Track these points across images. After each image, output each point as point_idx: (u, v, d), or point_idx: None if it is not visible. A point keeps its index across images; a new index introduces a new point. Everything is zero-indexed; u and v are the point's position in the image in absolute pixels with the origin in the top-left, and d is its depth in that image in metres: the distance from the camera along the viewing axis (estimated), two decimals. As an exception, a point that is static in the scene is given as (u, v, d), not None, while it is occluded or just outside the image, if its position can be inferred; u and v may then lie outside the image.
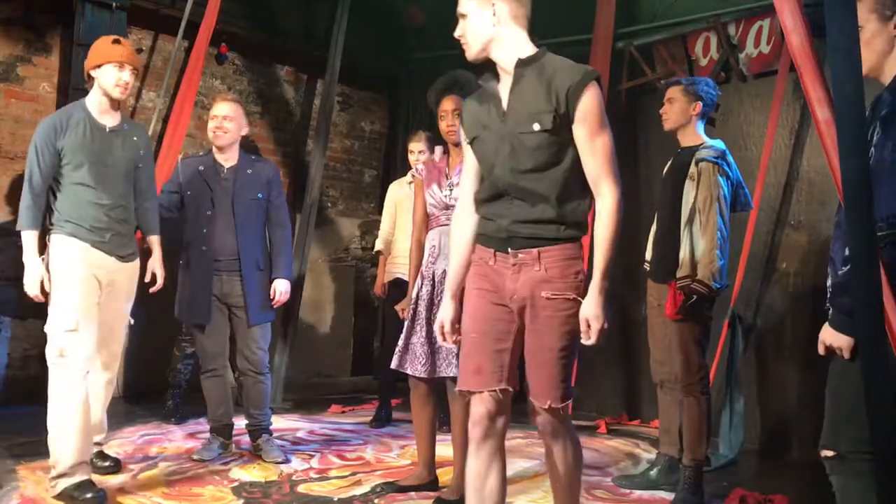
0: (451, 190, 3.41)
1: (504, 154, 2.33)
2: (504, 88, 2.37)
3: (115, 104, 3.46)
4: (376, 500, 3.44)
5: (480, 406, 2.37)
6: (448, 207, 3.41)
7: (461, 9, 2.36)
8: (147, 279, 3.67)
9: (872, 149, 2.09)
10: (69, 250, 3.30)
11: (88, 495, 3.12)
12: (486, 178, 2.42)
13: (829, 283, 2.22)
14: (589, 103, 2.25)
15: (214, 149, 4.00)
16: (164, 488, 3.45)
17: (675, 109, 3.65)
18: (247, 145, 4.32)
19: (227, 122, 3.93)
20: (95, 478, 3.34)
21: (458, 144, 3.48)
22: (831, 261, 2.19)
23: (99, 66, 3.38)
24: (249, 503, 3.34)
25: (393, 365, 3.44)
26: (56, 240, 3.33)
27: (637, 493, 3.73)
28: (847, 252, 2.02)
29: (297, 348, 5.96)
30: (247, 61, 6.18)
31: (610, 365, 5.56)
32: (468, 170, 2.51)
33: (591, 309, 2.26)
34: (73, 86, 4.91)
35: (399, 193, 4.96)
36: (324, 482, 3.69)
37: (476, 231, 2.49)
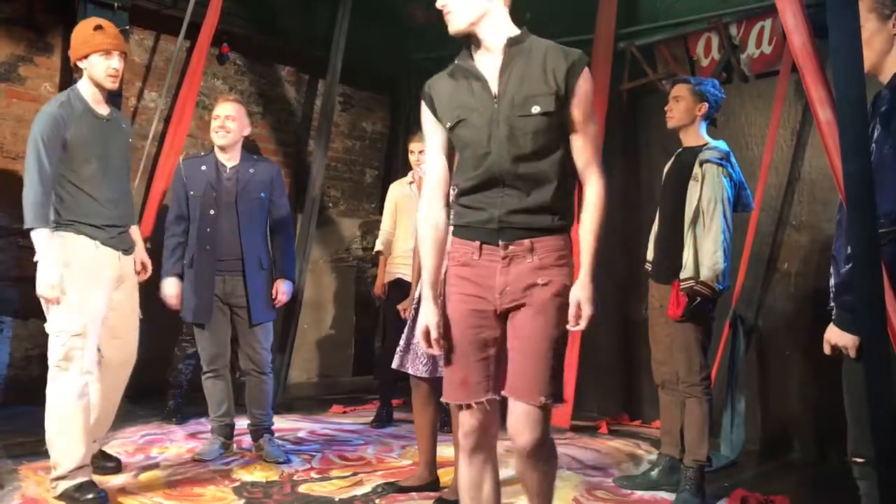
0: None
1: (500, 138, 2.19)
2: (488, 68, 2.22)
3: (107, 93, 3.36)
4: (377, 501, 3.44)
5: (470, 418, 2.26)
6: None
7: None
8: (137, 269, 3.55)
9: (873, 145, 2.09)
10: (80, 250, 3.21)
11: (90, 496, 3.12)
12: (473, 164, 2.23)
13: (831, 282, 2.22)
14: (585, 86, 2.20)
15: (217, 149, 4.01)
16: (166, 488, 3.45)
17: (681, 108, 3.64)
18: (248, 145, 4.31)
19: (229, 121, 3.94)
20: (96, 478, 3.33)
21: None
22: (834, 260, 2.19)
23: (86, 57, 3.26)
24: (250, 503, 3.34)
25: (394, 365, 3.44)
26: (65, 239, 3.20)
27: (638, 493, 3.72)
28: (849, 250, 2.02)
29: (297, 348, 5.97)
30: (248, 61, 6.18)
31: (611, 365, 5.56)
32: (436, 156, 2.33)
33: (583, 292, 2.17)
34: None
35: (400, 193, 4.96)
36: (325, 482, 3.69)
37: (450, 223, 2.33)
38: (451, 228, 2.34)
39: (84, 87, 3.32)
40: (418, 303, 3.41)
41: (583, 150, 2.24)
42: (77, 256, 3.20)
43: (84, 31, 3.30)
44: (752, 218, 4.57)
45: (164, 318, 4.26)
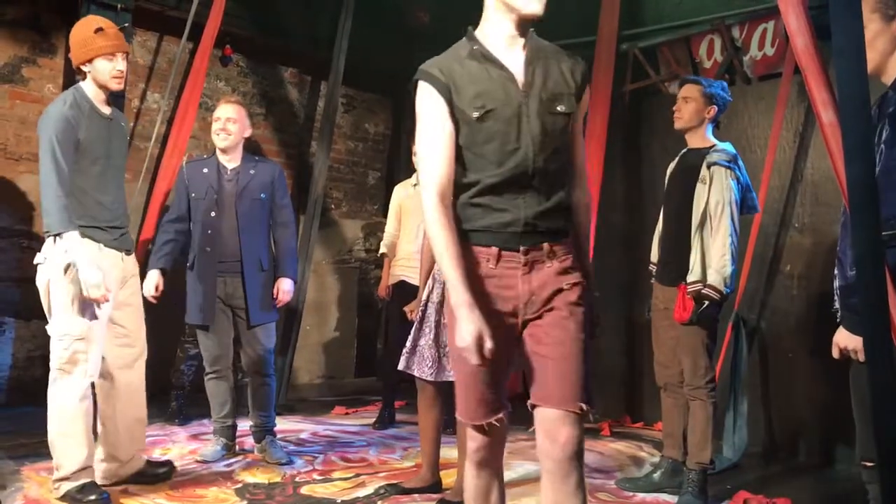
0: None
1: (532, 134, 2.05)
2: (510, 58, 2.09)
3: (109, 93, 3.34)
4: (379, 502, 3.44)
5: (483, 435, 2.15)
6: None
7: None
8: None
9: (881, 146, 2.08)
10: (84, 253, 3.16)
11: (92, 497, 3.12)
12: (497, 160, 2.04)
13: (836, 284, 2.21)
14: (587, 92, 2.18)
15: (218, 150, 4.01)
16: (168, 489, 3.45)
17: (690, 109, 3.61)
18: (250, 146, 4.31)
19: (230, 123, 3.94)
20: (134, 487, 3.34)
21: None
22: (839, 262, 2.18)
23: (89, 61, 3.23)
24: (253, 504, 3.35)
25: (400, 366, 3.43)
26: (66, 241, 3.15)
27: (640, 495, 3.72)
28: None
29: (300, 350, 5.97)
30: (251, 63, 6.19)
31: (613, 367, 5.56)
32: (445, 150, 2.06)
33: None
34: (77, 87, 4.92)
35: (404, 195, 4.96)
36: (327, 484, 3.69)
37: (461, 227, 2.08)
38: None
39: (88, 88, 3.29)
40: (425, 304, 3.42)
41: (579, 154, 2.22)
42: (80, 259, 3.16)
43: (84, 33, 3.26)
44: (755, 220, 4.56)
45: (167, 320, 4.27)
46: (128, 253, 3.41)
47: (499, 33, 2.10)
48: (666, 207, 3.79)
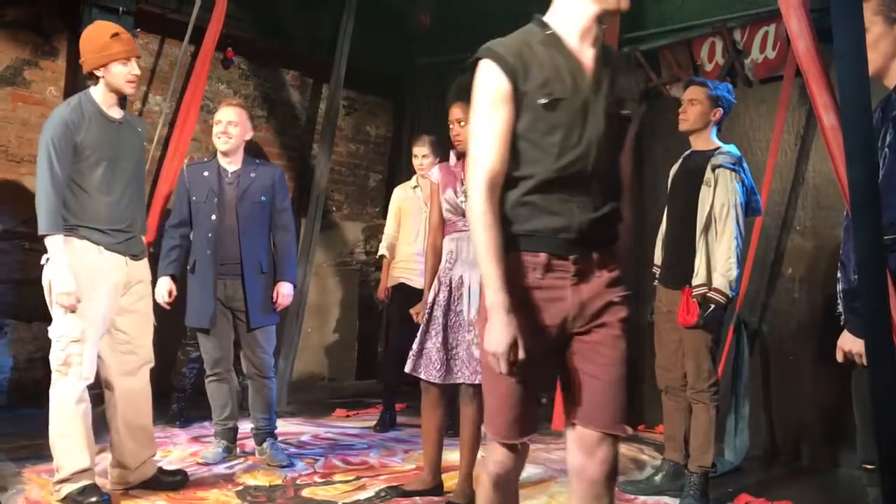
0: (465, 197, 3.40)
1: (598, 132, 1.91)
2: (581, 52, 1.96)
3: (119, 97, 3.35)
4: (380, 505, 3.44)
5: (509, 453, 2.04)
6: (465, 214, 3.40)
7: None
8: None
9: (886, 150, 2.07)
10: (83, 255, 3.19)
11: (93, 499, 3.12)
12: (558, 154, 1.89)
13: (839, 287, 2.20)
14: (642, 105, 2.10)
15: (219, 153, 4.01)
16: (169, 492, 3.45)
17: (696, 112, 3.59)
18: (251, 149, 4.31)
19: (231, 126, 3.94)
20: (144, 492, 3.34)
21: (465, 152, 3.47)
22: (842, 265, 2.18)
23: (104, 66, 3.23)
24: (253, 507, 3.35)
25: (407, 369, 3.43)
26: (68, 244, 3.16)
27: (641, 498, 3.72)
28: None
29: (301, 352, 5.97)
30: (253, 66, 6.20)
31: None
32: (502, 137, 1.90)
33: None
34: (80, 89, 4.91)
35: (403, 197, 4.97)
36: (328, 486, 3.69)
37: (506, 230, 1.91)
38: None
39: (97, 93, 3.29)
40: (432, 306, 3.41)
41: (626, 167, 2.10)
42: (78, 261, 3.16)
43: (100, 38, 3.25)
44: (757, 222, 4.56)
45: (168, 322, 4.26)
46: (134, 258, 3.36)
47: (572, 25, 1.96)
48: (669, 210, 3.78)
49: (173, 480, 3.54)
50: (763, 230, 4.68)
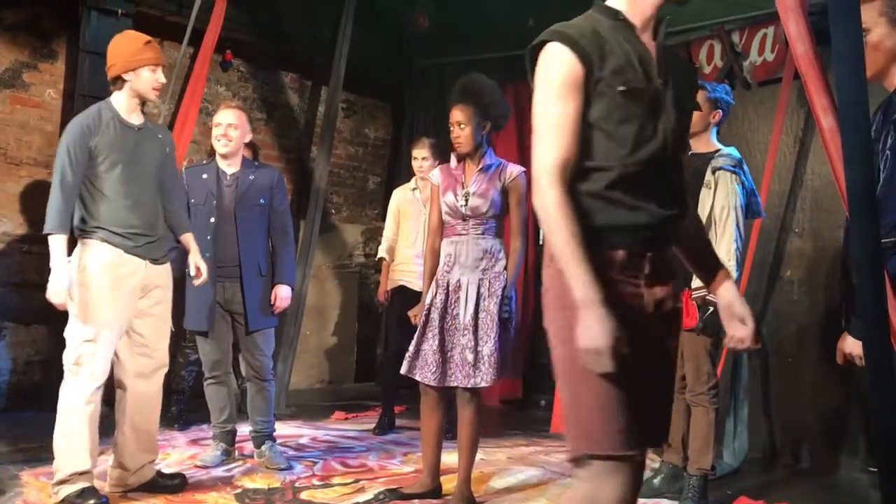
0: (466, 200, 3.40)
1: (671, 124, 1.81)
2: (648, 42, 1.85)
3: (142, 104, 3.40)
4: (379, 508, 3.44)
5: (631, 469, 1.84)
6: (465, 218, 3.41)
7: None
8: (192, 273, 3.59)
9: (888, 152, 2.07)
10: (100, 257, 3.21)
11: (91, 502, 3.12)
12: (633, 144, 1.76)
13: (840, 289, 2.20)
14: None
15: (218, 156, 4.02)
16: (167, 494, 3.45)
17: (696, 114, 3.59)
18: (250, 150, 4.32)
19: (230, 129, 3.94)
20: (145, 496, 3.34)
21: (466, 155, 3.47)
22: (843, 267, 2.17)
23: (133, 69, 3.28)
24: (252, 510, 3.34)
25: (403, 370, 3.43)
26: (86, 246, 3.23)
27: (641, 500, 3.69)
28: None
29: (300, 355, 5.96)
30: (252, 68, 6.20)
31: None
32: (573, 124, 1.75)
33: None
34: (78, 92, 4.92)
35: (402, 199, 4.97)
36: (327, 489, 3.69)
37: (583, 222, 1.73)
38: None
39: (118, 99, 3.33)
40: (429, 309, 3.41)
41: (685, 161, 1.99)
42: (94, 263, 3.20)
43: (134, 44, 3.32)
44: (756, 225, 4.56)
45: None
46: (154, 262, 3.37)
47: (637, 13, 1.83)
48: (669, 211, 3.77)
49: (172, 483, 3.54)
50: (762, 232, 4.68)
